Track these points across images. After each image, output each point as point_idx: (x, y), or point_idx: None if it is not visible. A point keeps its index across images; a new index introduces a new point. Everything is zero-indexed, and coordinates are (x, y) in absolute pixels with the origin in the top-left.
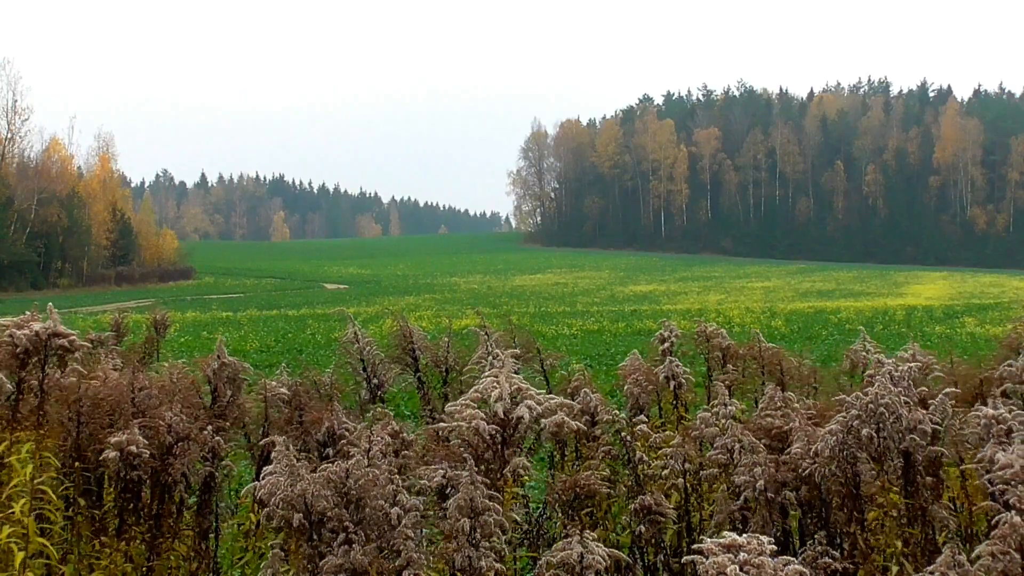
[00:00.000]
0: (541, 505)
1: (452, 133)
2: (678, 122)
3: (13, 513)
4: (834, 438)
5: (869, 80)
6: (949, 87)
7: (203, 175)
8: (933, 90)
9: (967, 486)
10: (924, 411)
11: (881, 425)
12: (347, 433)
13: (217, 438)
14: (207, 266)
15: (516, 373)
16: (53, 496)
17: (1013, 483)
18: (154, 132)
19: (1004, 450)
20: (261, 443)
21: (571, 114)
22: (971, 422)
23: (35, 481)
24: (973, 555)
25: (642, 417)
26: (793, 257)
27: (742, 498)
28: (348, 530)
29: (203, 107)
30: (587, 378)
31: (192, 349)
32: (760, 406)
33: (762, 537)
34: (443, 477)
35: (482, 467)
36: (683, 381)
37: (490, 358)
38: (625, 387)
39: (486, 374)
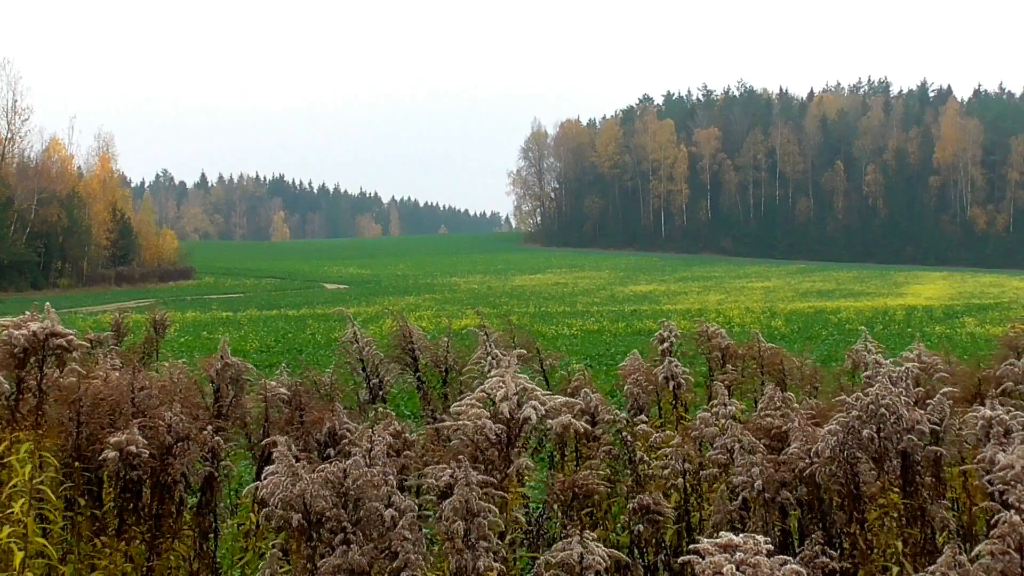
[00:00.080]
0: (541, 505)
1: (452, 133)
2: (678, 122)
3: (13, 513)
4: (834, 438)
5: (869, 80)
6: (949, 87)
7: (203, 175)
8: (933, 90)
9: (968, 486)
10: (922, 411)
11: (882, 425)
12: (349, 433)
13: (217, 438)
14: (207, 266)
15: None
16: (53, 496)
17: (1013, 484)
18: (154, 132)
19: (1004, 451)
20: (262, 443)
21: (571, 114)
22: (969, 422)
23: (34, 481)
24: (972, 555)
25: (642, 417)
26: (793, 257)
27: (740, 498)
28: (346, 530)
29: (203, 107)
30: (587, 378)
31: (192, 349)
32: (760, 406)
33: (759, 537)
34: (451, 477)
35: (487, 467)
36: (682, 381)
37: (489, 358)
38: (625, 387)
39: (492, 374)
